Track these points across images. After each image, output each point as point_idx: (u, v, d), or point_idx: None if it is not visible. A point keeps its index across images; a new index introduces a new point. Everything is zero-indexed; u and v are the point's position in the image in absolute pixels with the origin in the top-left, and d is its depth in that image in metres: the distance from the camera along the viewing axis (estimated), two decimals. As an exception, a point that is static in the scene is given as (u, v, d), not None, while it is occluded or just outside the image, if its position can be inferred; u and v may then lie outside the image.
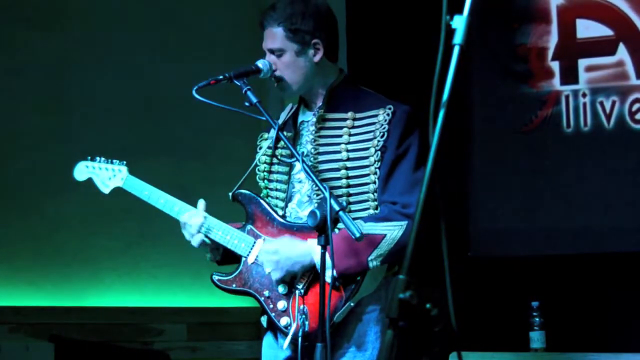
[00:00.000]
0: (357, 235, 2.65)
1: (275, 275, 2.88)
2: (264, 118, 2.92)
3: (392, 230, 2.82)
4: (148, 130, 5.26)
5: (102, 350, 4.96)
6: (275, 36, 2.95)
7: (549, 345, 4.30)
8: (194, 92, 2.91)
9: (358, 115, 2.95)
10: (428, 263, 2.96)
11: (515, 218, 4.71)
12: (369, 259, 2.81)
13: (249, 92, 2.92)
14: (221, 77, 2.94)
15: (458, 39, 1.87)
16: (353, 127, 2.94)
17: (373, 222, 2.85)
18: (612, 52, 4.57)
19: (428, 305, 1.74)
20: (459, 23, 1.87)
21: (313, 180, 2.81)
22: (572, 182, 4.60)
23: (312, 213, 2.67)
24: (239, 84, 2.94)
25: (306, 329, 2.78)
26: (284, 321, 2.87)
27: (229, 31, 5.51)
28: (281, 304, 2.89)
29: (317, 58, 2.97)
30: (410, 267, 1.82)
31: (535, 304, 4.33)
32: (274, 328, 2.98)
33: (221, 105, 2.94)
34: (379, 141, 2.88)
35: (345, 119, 2.95)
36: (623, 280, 4.39)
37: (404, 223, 2.82)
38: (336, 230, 2.80)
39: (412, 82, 3.78)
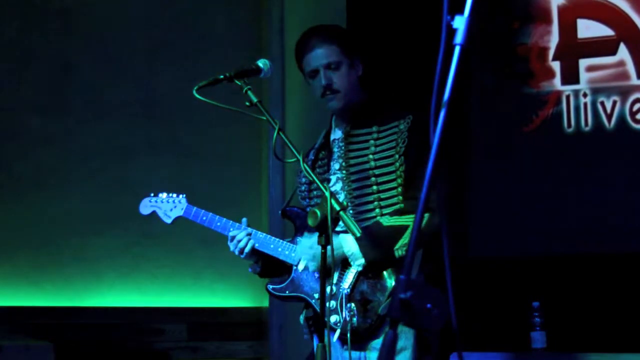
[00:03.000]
0: (358, 234, 2.77)
1: (312, 267, 3.13)
2: (264, 118, 2.97)
3: None
4: (148, 130, 5.25)
5: (102, 350, 4.96)
6: (330, 51, 3.18)
7: (550, 345, 4.30)
8: (194, 92, 2.98)
9: (382, 128, 3.15)
10: (430, 263, 3.01)
11: (516, 218, 4.71)
12: (395, 248, 3.01)
13: (249, 92, 2.98)
14: (221, 76, 3.01)
15: (459, 39, 1.86)
16: (378, 138, 3.14)
17: (398, 215, 3.05)
18: (613, 52, 4.57)
19: (429, 305, 1.74)
20: (460, 23, 1.86)
21: (314, 181, 2.93)
22: (573, 182, 4.59)
23: (313, 213, 2.72)
24: (239, 83, 3.00)
25: (354, 325, 3.00)
26: (333, 319, 3.07)
27: (229, 31, 5.51)
28: (330, 304, 3.08)
29: (359, 72, 3.24)
30: (411, 267, 1.81)
31: (536, 304, 4.33)
32: (318, 329, 3.13)
33: (222, 105, 2.97)
34: (400, 147, 3.10)
35: (370, 133, 3.16)
36: (623, 280, 4.39)
37: (427, 215, 2.94)
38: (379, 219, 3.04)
39: (413, 83, 3.78)
